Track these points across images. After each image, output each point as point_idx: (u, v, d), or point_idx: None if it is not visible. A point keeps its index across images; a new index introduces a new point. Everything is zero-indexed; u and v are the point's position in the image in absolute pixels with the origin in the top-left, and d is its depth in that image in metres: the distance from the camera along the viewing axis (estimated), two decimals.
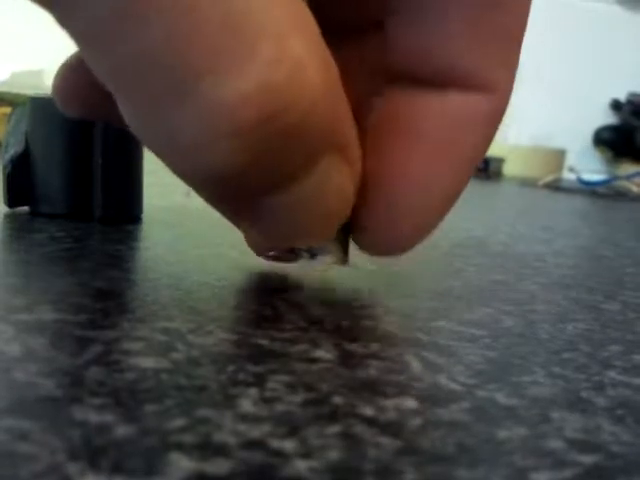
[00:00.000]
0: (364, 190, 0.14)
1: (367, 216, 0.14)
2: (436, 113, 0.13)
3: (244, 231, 0.14)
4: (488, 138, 0.14)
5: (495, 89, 0.13)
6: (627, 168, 1.05)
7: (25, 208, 0.23)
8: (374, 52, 0.14)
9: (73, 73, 0.15)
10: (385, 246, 0.15)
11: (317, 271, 0.16)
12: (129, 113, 0.10)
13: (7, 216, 0.22)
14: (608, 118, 1.35)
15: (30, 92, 0.23)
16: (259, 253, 0.16)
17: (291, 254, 0.15)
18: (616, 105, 1.34)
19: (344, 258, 0.15)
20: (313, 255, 0.15)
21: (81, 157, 0.22)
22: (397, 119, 0.14)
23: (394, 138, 0.14)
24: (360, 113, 0.14)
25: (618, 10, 1.36)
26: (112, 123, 0.16)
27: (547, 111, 1.26)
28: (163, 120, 0.10)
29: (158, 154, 0.11)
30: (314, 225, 0.13)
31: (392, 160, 0.14)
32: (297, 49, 0.10)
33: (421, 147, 0.13)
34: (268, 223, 0.12)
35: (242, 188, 0.11)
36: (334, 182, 0.12)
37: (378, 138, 0.14)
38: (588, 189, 0.71)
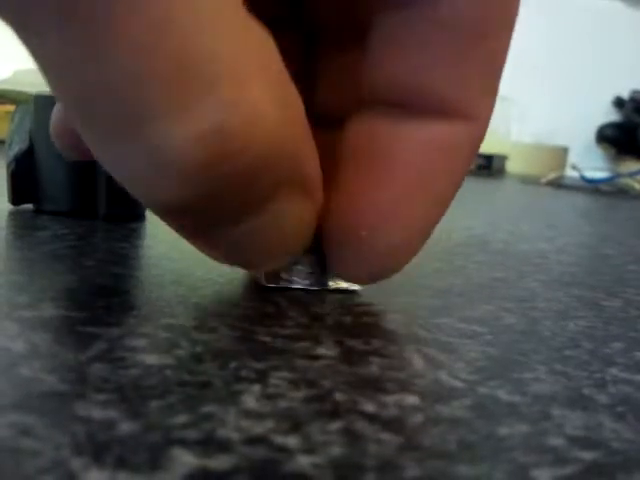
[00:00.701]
0: (330, 220, 0.14)
1: (336, 247, 0.14)
2: (414, 141, 0.13)
3: (208, 256, 0.14)
4: (466, 166, 0.13)
5: (476, 117, 0.13)
6: (630, 165, 1.05)
7: (29, 206, 0.23)
8: (353, 68, 0.14)
9: (65, 125, 0.15)
10: (356, 277, 0.15)
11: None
12: (87, 140, 0.11)
13: (11, 214, 0.22)
14: (611, 115, 1.34)
15: (33, 90, 0.23)
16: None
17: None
18: (619, 102, 1.34)
19: (322, 279, 0.15)
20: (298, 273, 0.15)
21: None
22: (373, 145, 0.13)
23: (369, 166, 0.13)
24: (333, 134, 0.14)
25: (621, 7, 1.35)
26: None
27: (550, 109, 1.26)
28: (116, 153, 0.10)
29: (112, 175, 0.11)
30: (273, 252, 0.13)
31: (366, 190, 0.13)
32: (255, 92, 0.10)
33: (398, 176, 0.13)
34: (227, 251, 0.13)
35: (196, 221, 0.11)
36: (292, 214, 0.12)
37: (352, 164, 0.13)
38: (591, 186, 0.71)
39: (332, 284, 0.15)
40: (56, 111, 0.16)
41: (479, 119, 0.13)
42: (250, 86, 0.10)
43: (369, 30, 0.13)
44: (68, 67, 0.09)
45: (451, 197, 0.14)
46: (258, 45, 0.10)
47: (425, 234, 0.14)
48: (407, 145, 0.13)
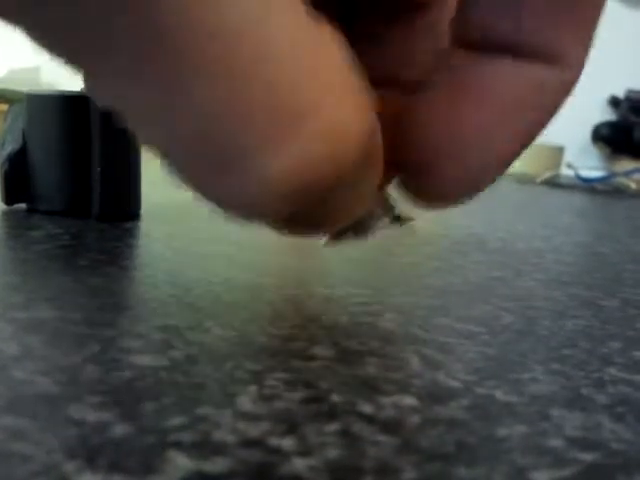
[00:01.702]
0: (413, 147, 0.14)
1: (419, 171, 0.14)
2: (505, 77, 0.14)
3: (290, 233, 0.15)
4: (553, 109, 0.14)
5: (568, 64, 0.14)
6: (625, 165, 1.05)
7: (22, 205, 0.23)
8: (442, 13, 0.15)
9: None
10: (432, 200, 0.15)
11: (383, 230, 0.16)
12: (176, 173, 0.11)
13: (4, 213, 0.22)
14: (606, 114, 1.35)
15: (27, 89, 0.23)
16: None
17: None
18: (614, 101, 1.34)
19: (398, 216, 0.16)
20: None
21: (79, 154, 0.22)
22: (464, 79, 0.14)
23: (459, 97, 0.14)
24: (427, 70, 0.14)
25: (616, 6, 1.36)
26: None
27: None
28: (211, 189, 0.11)
29: (204, 199, 0.12)
30: (349, 213, 0.13)
31: (461, 115, 0.14)
32: (340, 118, 0.10)
33: (486, 106, 0.14)
34: (309, 226, 0.13)
35: (293, 219, 0.12)
36: (363, 187, 0.13)
37: (443, 95, 0.14)
38: (586, 186, 0.71)
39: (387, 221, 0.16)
40: None
41: (571, 66, 0.13)
42: (334, 114, 0.10)
43: None
44: (155, 117, 0.10)
45: (535, 136, 0.14)
46: (337, 55, 0.10)
47: (504, 166, 0.14)
48: (498, 80, 0.13)
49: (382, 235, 0.16)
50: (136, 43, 0.09)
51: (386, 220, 0.16)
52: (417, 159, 0.14)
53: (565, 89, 0.14)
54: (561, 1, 0.13)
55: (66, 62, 0.10)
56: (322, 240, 0.16)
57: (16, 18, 0.09)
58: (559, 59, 0.13)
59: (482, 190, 0.15)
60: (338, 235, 0.16)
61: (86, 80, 0.10)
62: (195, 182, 0.11)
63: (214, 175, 0.10)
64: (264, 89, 0.09)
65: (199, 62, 0.09)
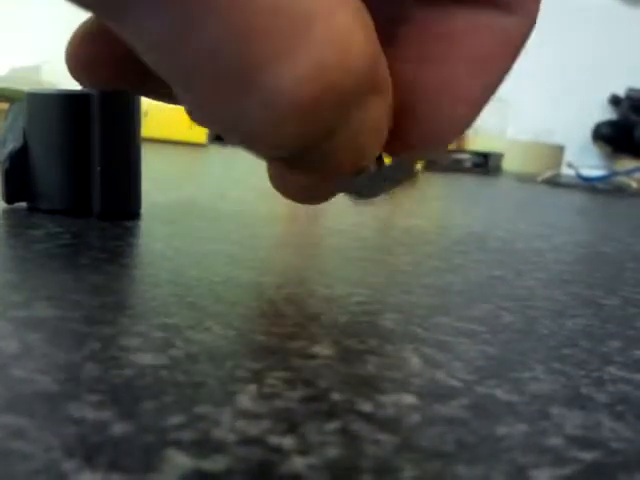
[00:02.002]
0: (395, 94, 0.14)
1: (401, 118, 0.15)
2: (471, 27, 0.14)
3: (292, 174, 0.15)
4: (514, 56, 0.15)
5: (525, 13, 0.14)
6: (626, 163, 1.05)
7: (23, 204, 0.23)
8: None
9: (88, 44, 0.15)
10: (417, 143, 0.15)
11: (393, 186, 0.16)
12: (193, 105, 0.11)
13: (5, 212, 0.22)
14: (607, 113, 1.35)
15: (28, 88, 0.23)
16: (301, 199, 0.17)
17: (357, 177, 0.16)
18: (615, 100, 1.34)
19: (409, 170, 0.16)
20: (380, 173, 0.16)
21: (79, 153, 0.22)
22: (434, 30, 0.14)
23: (431, 47, 0.14)
24: (394, 26, 0.14)
25: (617, 5, 1.36)
26: (131, 92, 0.17)
27: (546, 107, 1.26)
28: (228, 110, 0.11)
29: (222, 135, 0.12)
30: (359, 153, 0.13)
31: (428, 67, 0.14)
32: (345, 24, 0.10)
33: (456, 55, 0.14)
34: (317, 163, 0.13)
35: (297, 147, 0.12)
36: (374, 115, 0.13)
37: (415, 46, 0.14)
38: (587, 185, 0.71)
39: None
40: (77, 33, 0.15)
41: (527, 15, 0.14)
42: (339, 20, 0.10)
43: None
44: (171, 43, 0.10)
45: (500, 82, 0.15)
46: None
47: (477, 110, 0.15)
48: (465, 30, 0.14)
49: (389, 197, 0.16)
50: None
51: (390, 180, 0.16)
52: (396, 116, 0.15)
53: (523, 37, 0.15)
54: None
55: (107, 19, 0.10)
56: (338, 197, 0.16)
57: None
58: (517, 8, 0.14)
59: (460, 132, 0.15)
60: (345, 188, 0.16)
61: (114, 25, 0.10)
62: (214, 109, 0.11)
63: (232, 96, 0.10)
64: (268, 5, 0.10)
65: None
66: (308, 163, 0.13)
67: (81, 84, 0.16)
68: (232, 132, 0.11)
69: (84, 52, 0.15)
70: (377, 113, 0.13)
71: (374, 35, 0.12)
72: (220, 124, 0.11)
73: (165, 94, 0.15)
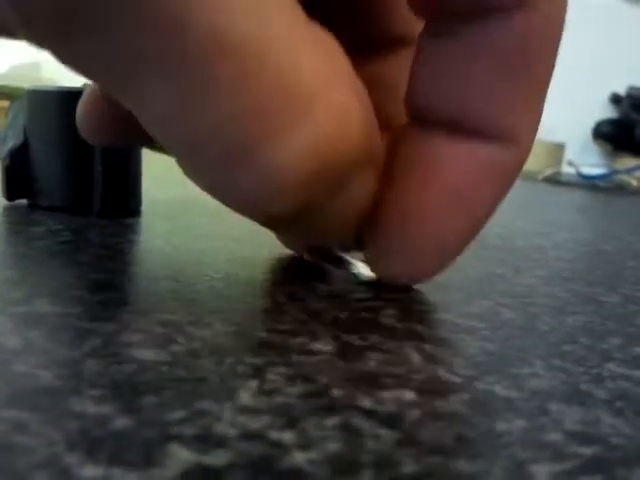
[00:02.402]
0: (378, 223, 0.14)
1: (375, 243, 0.15)
2: (455, 160, 0.13)
3: (279, 234, 0.16)
4: (507, 187, 0.14)
5: (518, 141, 0.13)
6: (627, 162, 1.05)
7: (24, 201, 0.23)
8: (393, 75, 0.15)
9: (98, 104, 0.15)
10: (386, 275, 0.15)
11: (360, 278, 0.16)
12: (191, 171, 0.11)
13: (6, 209, 0.22)
14: (608, 112, 1.35)
15: (28, 85, 0.23)
16: (297, 252, 0.18)
17: (331, 258, 0.17)
18: (616, 99, 1.34)
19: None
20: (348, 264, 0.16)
21: (80, 150, 0.22)
22: (417, 160, 0.14)
23: (412, 179, 0.14)
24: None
25: (618, 4, 1.35)
26: (140, 145, 0.17)
27: (546, 105, 1.26)
28: (223, 181, 0.11)
29: (221, 201, 0.12)
30: (348, 224, 0.13)
31: (409, 202, 0.14)
32: (344, 102, 0.11)
33: (439, 188, 0.14)
34: (308, 233, 0.13)
35: (290, 218, 0.12)
36: (367, 187, 0.13)
37: (397, 175, 0.14)
38: (587, 183, 0.71)
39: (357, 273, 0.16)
40: (86, 95, 0.16)
41: (521, 143, 0.13)
42: (338, 99, 0.10)
43: (416, 52, 0.13)
44: (172, 118, 0.10)
45: (488, 215, 0.14)
46: (330, 50, 0.11)
47: (458, 248, 0.14)
48: (452, 162, 0.13)
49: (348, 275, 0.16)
50: (163, 65, 0.09)
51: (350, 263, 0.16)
52: (371, 238, 0.15)
53: (516, 169, 0.14)
54: (512, 75, 0.13)
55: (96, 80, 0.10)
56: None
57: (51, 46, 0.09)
58: (510, 138, 0.13)
59: (434, 272, 0.15)
60: (319, 255, 0.16)
61: (112, 92, 0.10)
62: (212, 179, 0.11)
63: (229, 170, 0.11)
64: (272, 84, 0.10)
65: (213, 74, 0.09)
66: (294, 229, 0.13)
67: (91, 142, 0.16)
68: (227, 200, 0.11)
69: (95, 113, 0.15)
70: (367, 187, 0.13)
71: (371, 110, 0.12)
72: (216, 192, 0.11)
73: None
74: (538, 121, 0.14)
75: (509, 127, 0.13)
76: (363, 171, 0.12)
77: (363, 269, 0.16)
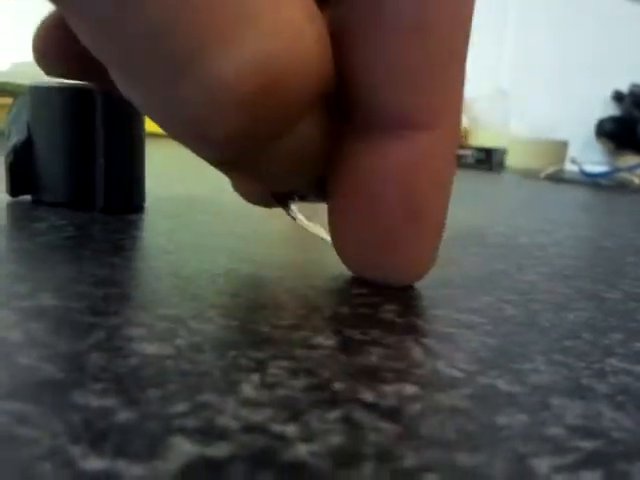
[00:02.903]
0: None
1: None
2: (391, 159, 0.13)
3: (233, 179, 0.15)
4: (448, 173, 0.14)
5: (443, 125, 0.13)
6: (629, 160, 1.05)
7: (27, 197, 0.23)
8: None
9: (53, 32, 0.15)
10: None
11: (306, 224, 0.17)
12: (131, 88, 0.11)
13: (9, 205, 0.22)
14: (610, 109, 1.34)
15: (30, 82, 0.23)
16: (248, 200, 0.17)
17: (282, 200, 0.16)
18: (618, 96, 1.34)
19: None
20: (302, 197, 0.16)
21: (83, 146, 0.22)
22: (349, 176, 0.14)
23: (353, 198, 0.14)
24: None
25: (621, 1, 1.35)
26: (94, 82, 0.17)
27: (549, 102, 1.26)
28: (165, 96, 0.10)
29: (160, 125, 0.11)
30: (300, 169, 0.13)
31: (355, 223, 0.14)
32: (295, 18, 0.10)
33: (378, 207, 0.14)
34: (261, 175, 0.13)
35: (237, 148, 0.12)
36: (318, 130, 0.12)
37: (345, 184, 0.14)
38: (590, 181, 0.71)
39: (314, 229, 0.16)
40: (42, 24, 0.15)
41: (446, 126, 0.13)
42: (289, 13, 0.10)
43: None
44: (109, 23, 0.10)
45: (443, 206, 0.14)
46: None
47: (430, 255, 0.15)
48: (387, 164, 0.13)
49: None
50: None
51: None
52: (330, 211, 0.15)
53: (449, 152, 0.14)
54: (404, 57, 0.12)
55: None
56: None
57: None
58: (433, 123, 0.13)
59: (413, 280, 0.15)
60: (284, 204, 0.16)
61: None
62: (152, 95, 0.10)
63: (169, 82, 0.10)
64: None
65: None
66: (246, 170, 0.13)
67: (46, 73, 0.16)
68: (170, 121, 0.11)
69: (47, 44, 0.15)
70: (318, 131, 0.12)
71: (325, 34, 0.11)
72: (158, 111, 0.11)
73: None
74: (458, 103, 0.13)
75: (429, 115, 0.13)
76: (314, 110, 0.12)
77: (319, 231, 0.16)
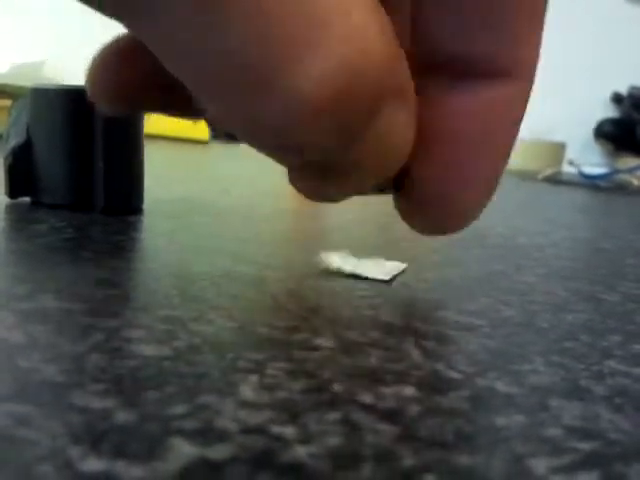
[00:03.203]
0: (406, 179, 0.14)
1: (412, 203, 0.15)
2: (470, 106, 0.14)
3: (315, 182, 0.15)
4: (519, 120, 0.14)
5: (521, 73, 0.14)
6: (628, 161, 1.05)
7: (26, 199, 0.23)
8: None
9: (111, 69, 0.15)
10: (431, 229, 0.15)
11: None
12: (213, 107, 0.11)
13: (8, 207, 0.22)
14: (609, 111, 1.34)
15: (30, 84, 0.23)
16: (311, 199, 0.17)
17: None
18: (617, 98, 1.34)
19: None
20: (381, 190, 0.16)
21: (82, 148, 0.22)
22: (435, 114, 0.14)
23: (433, 142, 0.14)
24: None
25: (620, 3, 1.35)
26: (153, 112, 0.17)
27: (548, 104, 1.26)
28: (248, 111, 0.11)
29: (243, 137, 0.12)
30: (380, 166, 0.13)
31: (435, 156, 0.14)
32: (363, 22, 0.11)
33: (459, 149, 0.14)
34: (338, 179, 0.13)
35: (320, 152, 0.12)
36: (396, 125, 0.12)
37: (420, 133, 0.14)
38: (589, 182, 0.71)
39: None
40: (94, 61, 0.15)
41: (525, 74, 0.14)
42: (357, 18, 0.10)
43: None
44: (190, 46, 0.10)
45: (510, 150, 0.14)
46: None
47: (489, 191, 0.14)
48: (465, 110, 0.14)
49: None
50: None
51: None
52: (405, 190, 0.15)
53: (523, 100, 0.14)
54: (496, 5, 0.13)
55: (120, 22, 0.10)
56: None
57: None
58: (512, 71, 0.14)
59: (476, 215, 0.15)
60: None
61: (130, 28, 0.10)
62: (236, 111, 0.11)
63: (253, 98, 0.11)
64: (289, 8, 0.10)
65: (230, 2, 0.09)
66: (327, 172, 0.13)
67: (105, 111, 0.16)
68: (254, 135, 0.11)
69: (108, 77, 0.15)
70: (399, 121, 0.13)
71: (392, 34, 0.12)
72: (242, 128, 0.11)
73: (189, 110, 0.15)
74: (538, 46, 0.14)
75: (509, 62, 0.13)
76: (391, 103, 0.12)
77: (369, 270, 0.16)
